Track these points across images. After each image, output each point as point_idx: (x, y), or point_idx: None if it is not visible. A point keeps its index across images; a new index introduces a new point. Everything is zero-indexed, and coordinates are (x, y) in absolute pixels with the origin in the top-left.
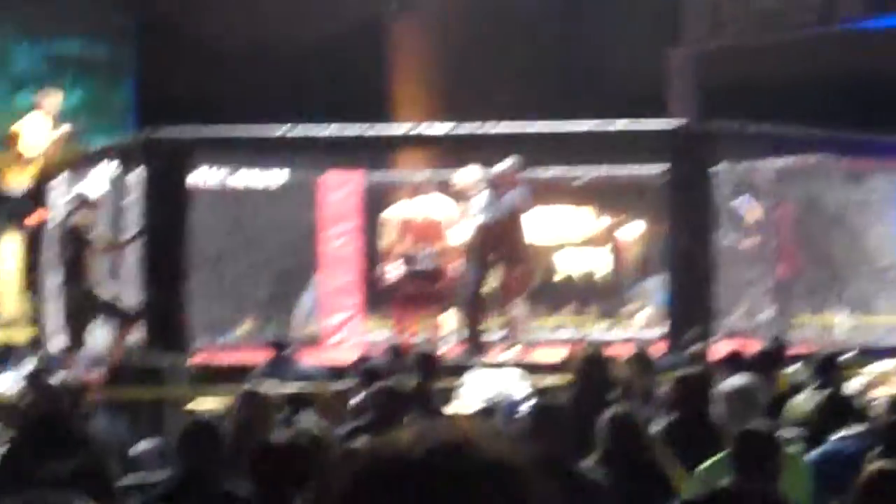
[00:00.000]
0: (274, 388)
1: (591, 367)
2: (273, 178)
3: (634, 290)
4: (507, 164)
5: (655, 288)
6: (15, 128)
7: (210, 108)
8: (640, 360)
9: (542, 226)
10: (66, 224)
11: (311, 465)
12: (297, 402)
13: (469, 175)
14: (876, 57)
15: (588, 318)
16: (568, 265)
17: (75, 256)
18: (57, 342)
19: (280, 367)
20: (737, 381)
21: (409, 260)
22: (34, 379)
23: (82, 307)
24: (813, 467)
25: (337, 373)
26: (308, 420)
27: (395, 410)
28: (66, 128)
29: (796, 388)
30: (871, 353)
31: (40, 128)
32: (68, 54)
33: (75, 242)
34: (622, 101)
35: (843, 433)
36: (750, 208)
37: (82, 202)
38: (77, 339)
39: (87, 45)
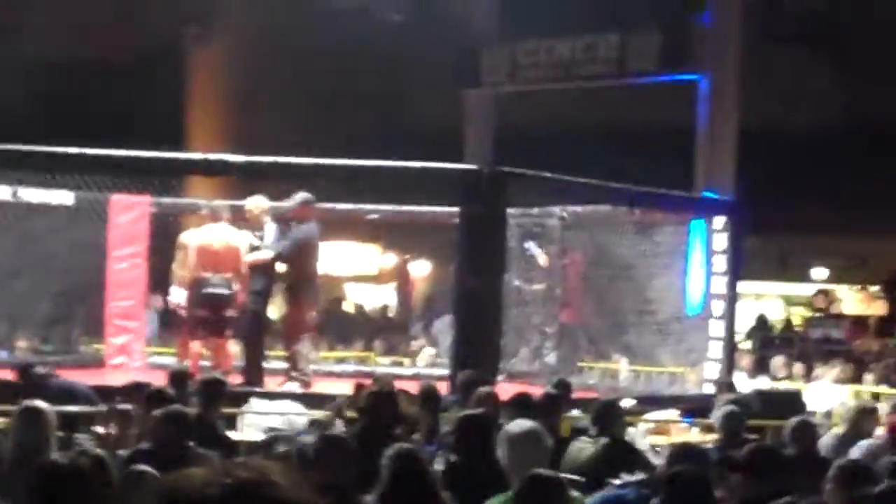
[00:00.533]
0: (51, 407)
1: (380, 402)
2: (62, 197)
3: (420, 328)
4: (298, 198)
5: (444, 327)
6: None
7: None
8: (427, 397)
9: (332, 260)
10: None
11: (92, 488)
12: (72, 423)
13: (257, 204)
14: (665, 110)
15: (372, 354)
16: (355, 300)
17: None
18: None
19: (36, 387)
20: (521, 424)
21: (198, 285)
22: None
23: None
24: None
25: (106, 394)
26: (85, 442)
27: (177, 436)
28: None
29: (578, 433)
30: (652, 402)
31: None
32: None
33: None
34: (420, 139)
35: (623, 480)
36: (538, 253)
37: None
38: None
39: None
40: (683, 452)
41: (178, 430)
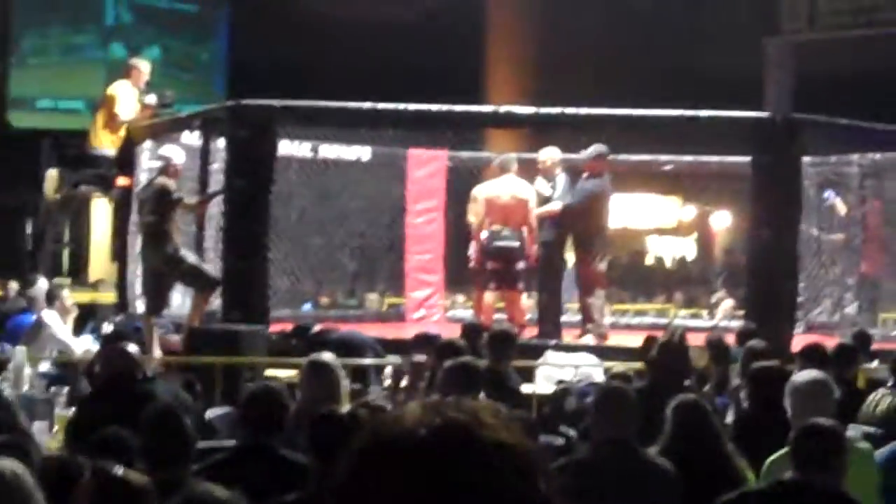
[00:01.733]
0: (338, 360)
1: (669, 353)
2: (359, 152)
3: (721, 280)
4: (592, 150)
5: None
6: (111, 90)
7: (297, 78)
8: (716, 347)
9: (630, 212)
10: (150, 187)
11: None
12: (361, 376)
13: (550, 155)
14: None
15: (671, 305)
16: (655, 252)
17: (159, 219)
18: (139, 305)
19: (313, 345)
20: (807, 374)
21: (489, 238)
22: (109, 341)
23: (164, 271)
24: (883, 465)
25: (402, 347)
26: (375, 392)
27: (466, 387)
28: (153, 98)
29: (875, 386)
30: None
31: (130, 94)
32: (158, 6)
33: (159, 205)
34: (720, 88)
35: None
36: (836, 203)
37: (167, 166)
38: (157, 303)
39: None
40: None
41: (467, 381)
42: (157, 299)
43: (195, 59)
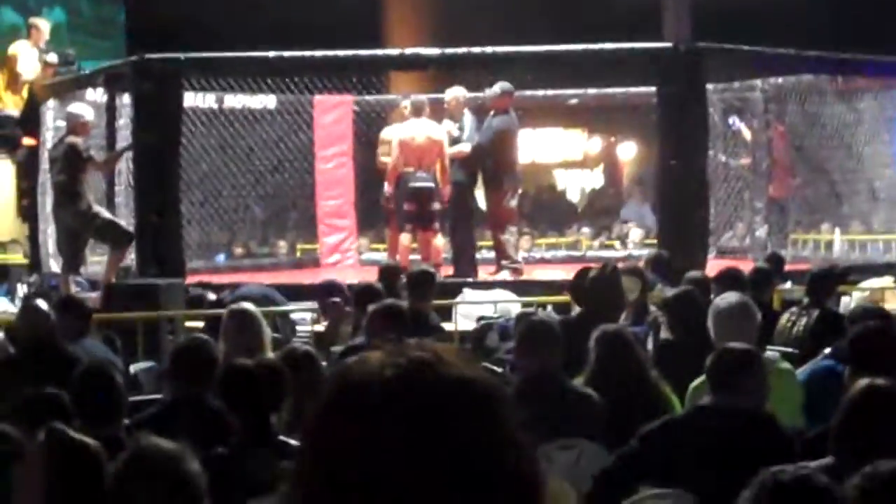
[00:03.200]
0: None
1: (602, 286)
2: (265, 101)
3: (629, 210)
4: (496, 88)
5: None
6: (11, 50)
7: (200, 32)
8: (634, 276)
9: (536, 147)
10: (60, 145)
11: (288, 385)
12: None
13: (456, 95)
14: None
15: (582, 238)
16: (562, 186)
17: (70, 178)
18: (52, 265)
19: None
20: (729, 298)
21: (403, 180)
22: (27, 301)
23: (77, 229)
24: (804, 383)
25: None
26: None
27: (391, 329)
28: (55, 56)
29: (791, 306)
30: (867, 270)
31: (31, 54)
32: None
33: (70, 163)
34: (617, 23)
35: (830, 349)
36: (742, 128)
37: (76, 123)
38: (73, 262)
39: None
40: (863, 313)
41: (392, 324)
42: (72, 258)
43: (105, 20)
